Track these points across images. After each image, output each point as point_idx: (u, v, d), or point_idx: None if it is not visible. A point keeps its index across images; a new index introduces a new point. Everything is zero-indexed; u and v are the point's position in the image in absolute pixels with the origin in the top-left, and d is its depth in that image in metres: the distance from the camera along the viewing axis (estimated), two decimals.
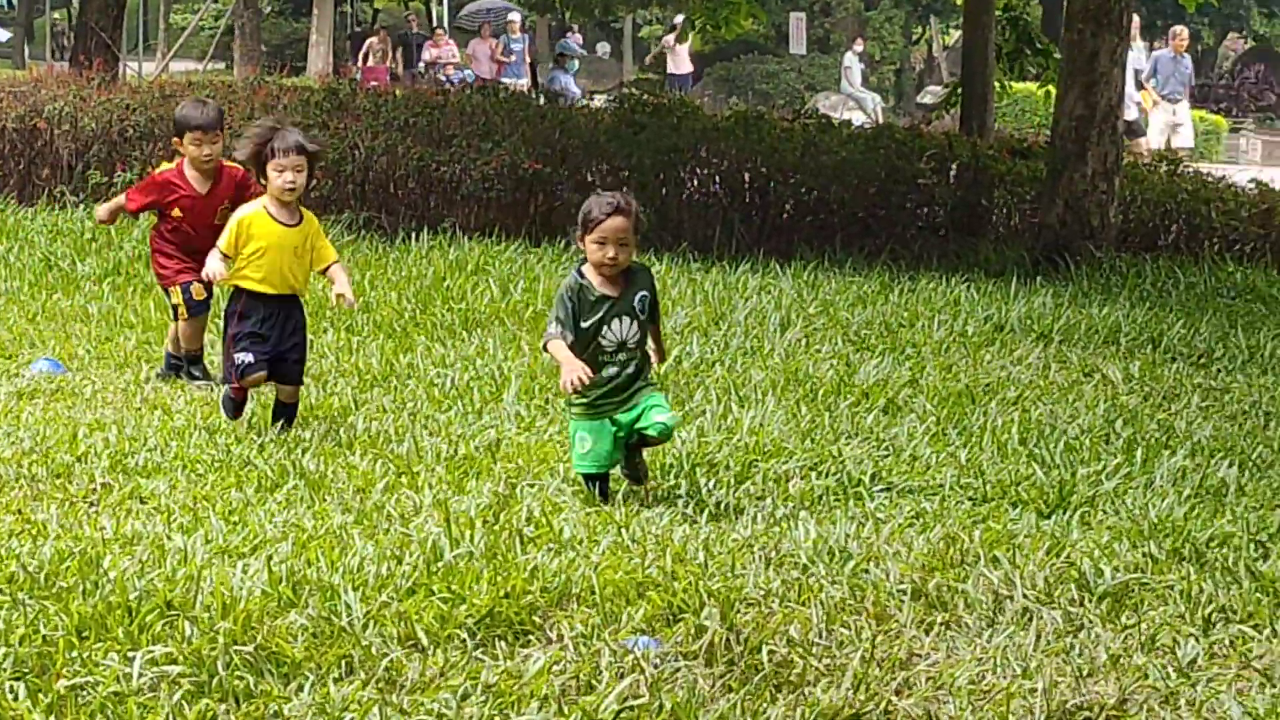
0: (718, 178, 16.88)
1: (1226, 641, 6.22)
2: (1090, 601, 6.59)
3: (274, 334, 8.67)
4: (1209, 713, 5.49)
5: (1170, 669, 5.84)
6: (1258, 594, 6.84)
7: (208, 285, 9.36)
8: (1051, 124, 17.05)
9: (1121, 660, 5.95)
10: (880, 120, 31.41)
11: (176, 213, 9.78)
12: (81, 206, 15.81)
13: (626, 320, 7.33)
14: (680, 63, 38.33)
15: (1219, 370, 12.27)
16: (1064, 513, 8.06)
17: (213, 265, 8.54)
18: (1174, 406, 10.82)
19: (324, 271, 8.88)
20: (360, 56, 37.32)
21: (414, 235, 15.51)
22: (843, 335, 12.43)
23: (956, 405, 10.40)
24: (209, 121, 9.81)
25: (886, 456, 9.05)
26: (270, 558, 6.76)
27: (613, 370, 7.35)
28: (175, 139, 9.94)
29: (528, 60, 36.91)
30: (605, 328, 7.29)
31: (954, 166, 17.55)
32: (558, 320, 7.24)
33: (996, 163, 17.56)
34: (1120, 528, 7.75)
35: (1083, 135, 16.00)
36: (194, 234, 9.72)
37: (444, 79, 31.33)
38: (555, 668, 5.77)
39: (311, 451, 8.49)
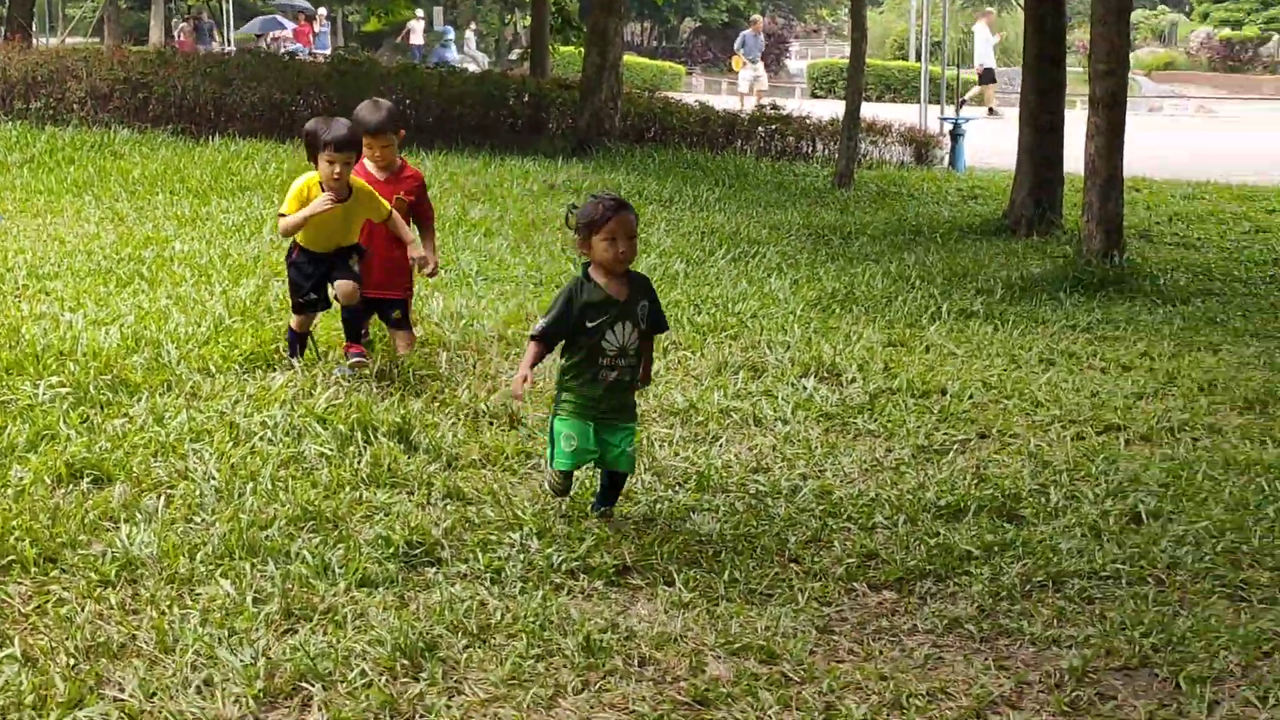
0: (393, 98, 23.71)
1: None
2: None
3: (322, 268, 8.87)
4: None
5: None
6: (695, 334, 10.38)
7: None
8: (582, 70, 25.28)
9: None
10: (485, 68, 39.55)
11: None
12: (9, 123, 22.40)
13: (629, 326, 6.71)
14: (416, 37, 56.65)
15: (677, 209, 18.02)
16: None
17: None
18: (650, 230, 15.60)
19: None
20: (175, 34, 51.21)
21: (212, 137, 22.24)
22: (461, 191, 17.55)
23: (528, 231, 14.78)
24: (377, 124, 9.23)
25: (486, 261, 12.77)
26: (121, 325, 9.26)
27: (614, 376, 6.74)
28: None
29: (329, 41, 52.29)
30: (609, 331, 6.67)
31: (526, 95, 26.04)
32: (547, 318, 6.75)
33: (551, 93, 26.33)
34: None
35: (599, 76, 24.12)
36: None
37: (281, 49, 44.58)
38: (290, 384, 8.27)
39: (148, 264, 11.42)
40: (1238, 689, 5.48)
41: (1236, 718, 5.26)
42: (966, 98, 40.18)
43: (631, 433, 6.84)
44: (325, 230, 8.78)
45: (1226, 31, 75.92)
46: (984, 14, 47.90)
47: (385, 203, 8.94)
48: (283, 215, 8.74)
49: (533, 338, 6.75)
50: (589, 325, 6.64)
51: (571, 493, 6.98)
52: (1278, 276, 15.56)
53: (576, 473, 7.01)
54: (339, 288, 8.84)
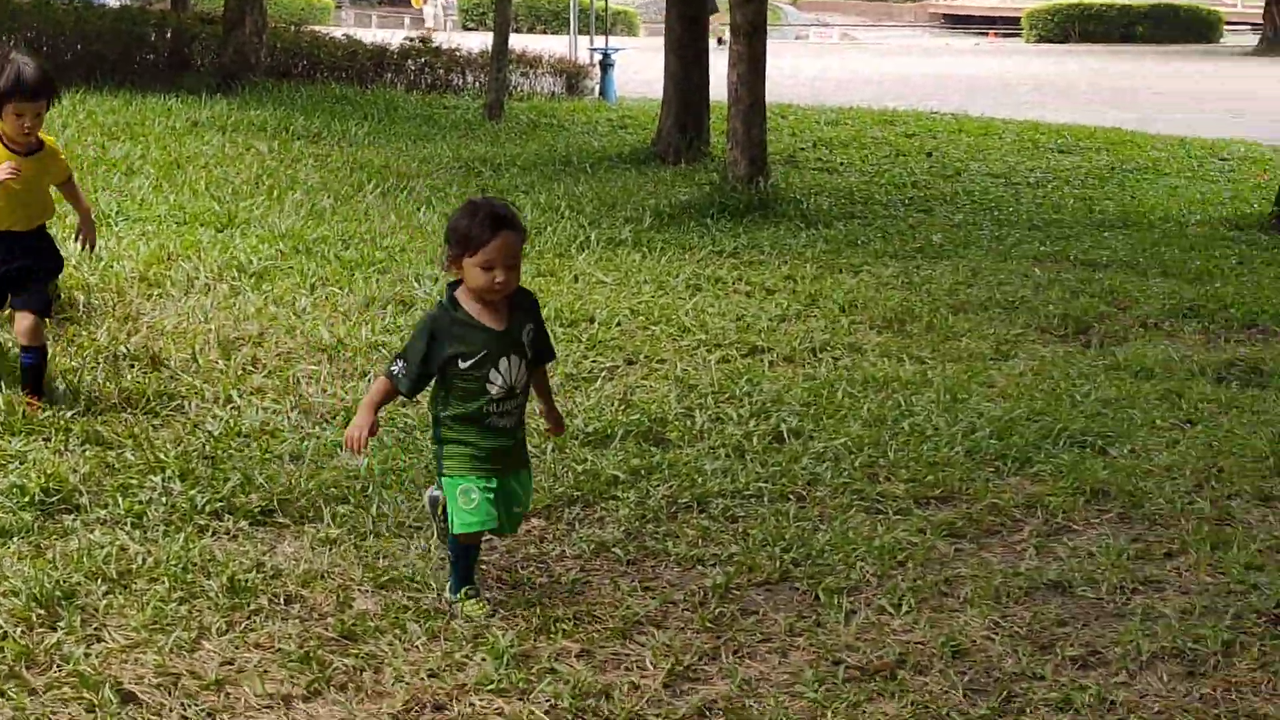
0: (27, 37, 23.36)
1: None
2: (245, 278, 10.00)
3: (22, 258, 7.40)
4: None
5: (291, 315, 9.16)
6: (342, 270, 10.39)
7: None
8: (224, 4, 24.71)
9: (263, 310, 9.19)
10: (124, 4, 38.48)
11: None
12: None
13: (515, 359, 5.43)
14: None
15: (325, 145, 17.81)
16: (232, 229, 11.67)
17: None
18: (298, 166, 15.53)
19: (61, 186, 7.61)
20: None
21: None
22: (100, 130, 16.75)
23: (170, 169, 14.37)
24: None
25: (127, 200, 12.53)
26: None
27: (505, 423, 5.48)
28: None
29: None
30: (493, 369, 5.38)
31: (168, 31, 24.92)
32: (405, 358, 5.43)
33: (193, 28, 25.61)
34: (265, 235, 11.42)
35: (242, 10, 23.75)
36: None
37: None
38: None
39: None
40: (873, 598, 5.69)
41: (872, 625, 5.45)
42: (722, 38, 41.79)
43: (527, 489, 5.69)
44: (21, 200, 7.34)
45: None
46: None
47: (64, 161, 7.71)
48: None
49: (386, 375, 5.50)
50: (462, 366, 5.36)
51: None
52: (915, 199, 16.08)
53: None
54: (19, 323, 7.36)
